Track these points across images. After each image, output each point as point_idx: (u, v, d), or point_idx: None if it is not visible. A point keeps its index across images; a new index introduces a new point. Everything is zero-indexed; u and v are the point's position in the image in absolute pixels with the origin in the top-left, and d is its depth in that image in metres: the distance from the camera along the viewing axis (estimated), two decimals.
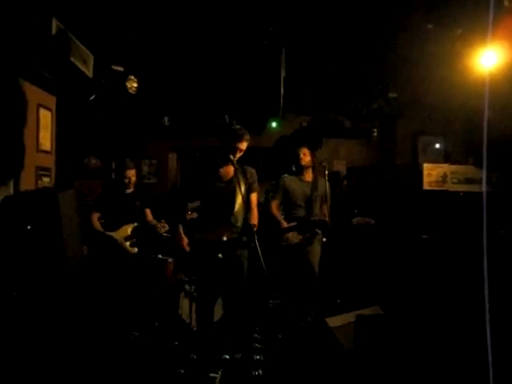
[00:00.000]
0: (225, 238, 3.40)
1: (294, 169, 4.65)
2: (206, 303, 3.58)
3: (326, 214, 4.51)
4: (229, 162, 3.42)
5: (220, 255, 3.40)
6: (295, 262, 4.42)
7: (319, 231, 4.45)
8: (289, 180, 4.57)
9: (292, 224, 4.41)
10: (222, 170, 3.53)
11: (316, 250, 4.49)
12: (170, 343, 4.23)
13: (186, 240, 3.50)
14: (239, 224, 3.48)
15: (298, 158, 4.49)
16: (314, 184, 4.53)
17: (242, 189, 3.37)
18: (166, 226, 4.54)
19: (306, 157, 4.48)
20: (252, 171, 3.62)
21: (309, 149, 4.51)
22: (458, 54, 3.98)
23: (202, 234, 3.49)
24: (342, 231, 5.31)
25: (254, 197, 3.59)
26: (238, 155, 3.43)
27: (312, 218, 4.41)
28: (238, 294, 3.55)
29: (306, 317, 4.45)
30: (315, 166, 4.63)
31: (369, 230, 4.86)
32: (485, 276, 1.59)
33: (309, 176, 4.56)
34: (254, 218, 3.51)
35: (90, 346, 3.82)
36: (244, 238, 3.41)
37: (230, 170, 3.47)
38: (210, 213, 3.51)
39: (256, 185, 3.61)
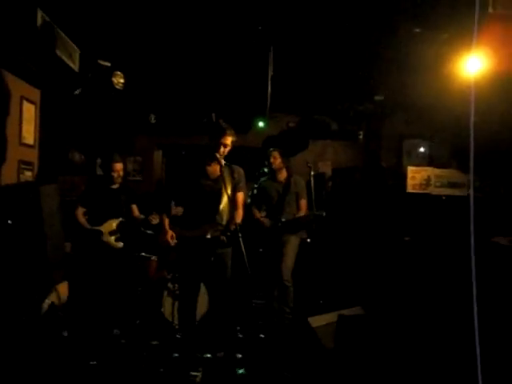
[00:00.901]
0: (209, 236, 3.41)
1: (266, 170, 5.02)
2: (189, 301, 3.57)
3: (303, 209, 4.72)
4: (215, 160, 3.43)
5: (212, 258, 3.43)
6: (270, 247, 4.62)
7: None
8: (264, 183, 4.87)
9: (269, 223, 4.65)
10: (210, 168, 3.56)
11: (293, 242, 4.62)
12: (152, 341, 4.21)
13: (170, 233, 3.50)
14: (224, 222, 3.51)
15: (268, 161, 4.75)
16: (287, 183, 4.73)
17: (228, 188, 3.40)
18: (157, 217, 4.49)
19: (276, 160, 4.71)
20: (239, 170, 3.64)
21: (279, 153, 4.73)
22: (444, 58, 4.02)
23: (185, 231, 3.50)
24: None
25: (240, 196, 3.61)
26: (223, 150, 3.44)
27: (284, 219, 4.62)
28: (221, 292, 3.56)
29: (285, 308, 4.48)
30: (289, 167, 4.91)
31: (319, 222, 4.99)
32: (473, 278, 1.62)
33: (282, 176, 4.78)
34: (239, 217, 3.53)
35: (69, 342, 3.79)
36: (222, 237, 3.41)
37: (217, 168, 3.48)
38: (195, 210, 3.52)
39: (243, 184, 3.63)
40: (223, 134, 3.42)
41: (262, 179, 4.96)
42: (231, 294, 3.61)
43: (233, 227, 3.38)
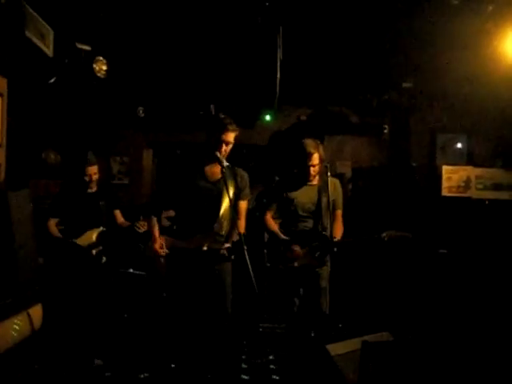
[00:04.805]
0: (205, 248, 3.37)
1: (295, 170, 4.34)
2: (182, 326, 3.53)
3: (339, 224, 4.26)
4: (216, 160, 3.38)
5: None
6: (304, 285, 4.23)
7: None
8: (289, 184, 4.29)
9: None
10: (208, 169, 3.54)
11: (328, 271, 4.26)
12: (141, 374, 4.16)
13: (160, 241, 3.49)
14: (224, 232, 3.49)
15: (305, 158, 4.09)
16: (323, 187, 4.17)
17: (231, 192, 3.38)
18: (146, 224, 4.45)
19: (316, 155, 4.11)
20: (243, 174, 3.64)
21: (317, 143, 4.20)
22: (488, 35, 3.95)
23: (178, 241, 3.48)
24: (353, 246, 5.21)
25: (243, 204, 3.61)
26: (225, 149, 3.42)
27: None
28: (219, 316, 3.51)
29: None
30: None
31: (404, 246, 4.71)
32: None
33: (314, 178, 4.22)
34: (241, 228, 3.51)
35: (41, 377, 3.74)
36: (223, 251, 3.33)
37: (218, 169, 3.46)
38: (190, 216, 3.51)
39: (247, 191, 3.63)
40: (224, 130, 3.38)
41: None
42: (232, 318, 3.57)
43: (236, 238, 3.36)
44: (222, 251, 3.34)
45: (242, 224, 3.53)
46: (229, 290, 3.53)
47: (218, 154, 3.37)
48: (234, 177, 3.54)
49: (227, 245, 3.36)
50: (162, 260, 3.48)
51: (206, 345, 3.85)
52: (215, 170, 3.50)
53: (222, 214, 3.46)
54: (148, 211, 3.70)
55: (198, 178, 3.51)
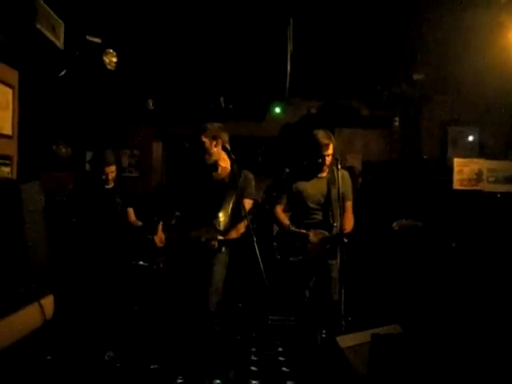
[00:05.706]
0: (203, 240, 3.52)
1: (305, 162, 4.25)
2: (184, 316, 3.68)
3: (350, 216, 4.20)
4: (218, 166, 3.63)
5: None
6: (314, 277, 4.19)
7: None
8: (298, 177, 4.24)
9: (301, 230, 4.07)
10: (215, 173, 3.72)
11: (338, 263, 4.13)
12: (151, 365, 4.19)
13: (160, 236, 3.67)
14: (222, 228, 3.62)
15: (318, 149, 4.01)
16: (332, 179, 4.10)
17: (232, 193, 3.56)
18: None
19: (329, 146, 4.04)
20: (247, 174, 3.74)
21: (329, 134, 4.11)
22: (501, 27, 3.91)
23: (179, 233, 3.68)
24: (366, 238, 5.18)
25: (247, 202, 3.65)
26: (204, 148, 3.58)
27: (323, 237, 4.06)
28: (200, 305, 3.58)
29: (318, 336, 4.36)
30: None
31: (415, 237, 4.71)
32: None
33: (325, 170, 4.15)
34: (242, 227, 3.63)
35: (53, 368, 3.77)
36: (216, 239, 3.46)
37: (224, 171, 3.69)
38: (192, 212, 3.71)
39: (250, 190, 3.71)
40: (201, 131, 3.58)
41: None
42: (220, 307, 3.63)
43: (235, 236, 3.57)
44: (212, 242, 3.48)
45: (242, 224, 3.61)
46: (217, 277, 3.60)
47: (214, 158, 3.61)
48: (238, 178, 3.62)
49: (220, 237, 3.49)
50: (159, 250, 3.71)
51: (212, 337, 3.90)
52: (221, 172, 3.69)
53: (221, 214, 3.62)
54: (158, 215, 3.85)
55: (203, 177, 3.69)
